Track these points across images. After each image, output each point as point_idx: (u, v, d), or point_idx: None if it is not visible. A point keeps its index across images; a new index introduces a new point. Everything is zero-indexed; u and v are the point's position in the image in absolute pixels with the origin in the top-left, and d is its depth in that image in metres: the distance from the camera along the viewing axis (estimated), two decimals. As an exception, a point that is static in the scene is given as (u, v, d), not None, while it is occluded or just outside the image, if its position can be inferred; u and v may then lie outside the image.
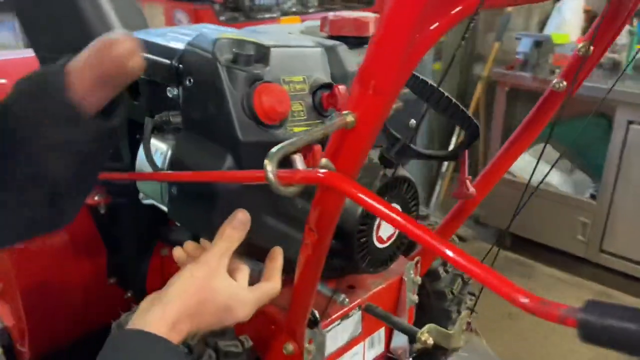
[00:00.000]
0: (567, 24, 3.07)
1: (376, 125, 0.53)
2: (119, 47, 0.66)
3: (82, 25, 0.95)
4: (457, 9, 0.52)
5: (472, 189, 0.89)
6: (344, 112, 0.51)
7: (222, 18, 2.24)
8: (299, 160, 0.48)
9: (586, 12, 3.09)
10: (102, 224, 1.18)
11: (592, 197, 2.76)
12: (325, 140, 0.64)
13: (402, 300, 1.05)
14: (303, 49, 0.76)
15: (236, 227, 0.70)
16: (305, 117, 0.72)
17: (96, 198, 1.13)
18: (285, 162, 0.52)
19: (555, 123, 0.89)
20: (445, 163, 3.45)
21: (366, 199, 0.43)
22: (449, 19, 0.52)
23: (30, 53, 1.11)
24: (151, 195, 0.89)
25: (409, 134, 1.00)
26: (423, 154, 0.90)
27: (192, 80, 0.73)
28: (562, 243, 2.87)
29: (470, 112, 3.33)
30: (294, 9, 2.61)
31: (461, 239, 3.09)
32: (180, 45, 0.78)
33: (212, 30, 0.81)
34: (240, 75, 0.69)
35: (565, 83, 0.87)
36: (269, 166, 0.46)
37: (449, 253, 0.38)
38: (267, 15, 2.43)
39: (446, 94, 0.86)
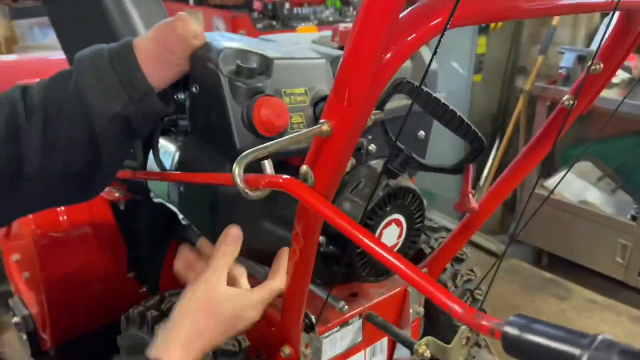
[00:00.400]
0: (615, 38, 2.96)
1: (352, 135, 0.54)
2: (185, 25, 0.71)
3: (110, 31, 1.00)
4: (437, 20, 0.52)
5: (474, 203, 0.89)
6: (321, 120, 0.53)
7: (259, 26, 2.29)
8: (268, 166, 0.50)
9: (636, 27, 2.98)
10: (121, 220, 1.24)
11: (634, 218, 2.66)
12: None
13: (406, 312, 1.05)
14: (306, 61, 0.78)
15: (229, 243, 0.74)
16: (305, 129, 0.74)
17: (116, 195, 1.18)
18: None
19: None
20: (483, 176, 3.39)
21: (322, 207, 0.44)
22: (427, 30, 0.52)
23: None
24: (159, 194, 0.93)
25: (415, 146, 1.01)
26: (426, 166, 0.90)
27: (197, 87, 0.75)
28: (600, 265, 2.77)
29: (511, 126, 3.24)
30: (331, 18, 2.64)
31: (494, 254, 3.03)
32: None
33: (222, 39, 0.84)
34: (242, 87, 0.70)
35: (575, 100, 0.85)
36: (237, 170, 0.48)
37: (389, 257, 0.38)
38: (303, 24, 2.47)
39: (451, 107, 0.86)
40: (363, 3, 0.46)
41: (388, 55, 0.51)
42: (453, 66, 3.20)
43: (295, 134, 0.51)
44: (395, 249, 0.95)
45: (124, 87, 0.67)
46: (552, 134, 0.92)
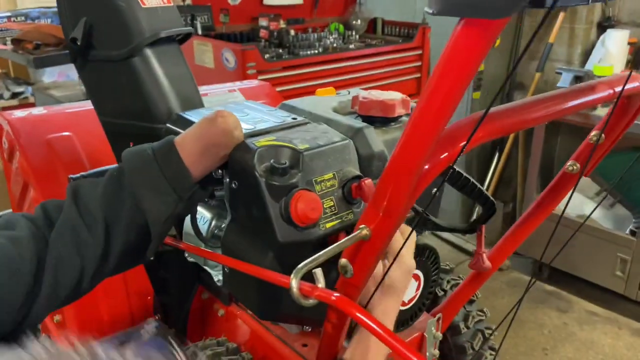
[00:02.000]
0: (611, 56, 3.04)
1: (390, 236, 0.61)
2: (225, 118, 0.78)
3: (143, 98, 1.05)
4: (464, 142, 0.59)
5: (487, 263, 0.96)
6: (360, 226, 0.60)
7: (267, 56, 2.36)
8: (319, 276, 0.56)
9: (631, 44, 3.06)
10: (150, 268, 1.30)
11: (632, 233, 2.73)
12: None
13: (423, 355, 1.12)
14: (332, 146, 0.82)
15: None
16: (336, 211, 0.79)
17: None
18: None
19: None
20: (484, 186, 3.47)
21: (371, 324, 0.51)
22: (457, 150, 0.59)
23: (90, 105, 1.22)
24: (195, 258, 0.99)
25: (427, 205, 1.08)
26: (441, 226, 0.97)
27: (236, 184, 0.81)
28: (600, 278, 2.83)
29: (510, 141, 3.30)
30: (335, 44, 2.70)
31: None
32: None
33: (250, 126, 0.89)
34: (278, 186, 0.76)
35: (578, 166, 0.93)
36: (294, 281, 0.54)
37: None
38: (309, 52, 2.53)
39: (464, 174, 0.93)
40: (407, 132, 0.53)
41: (426, 167, 0.58)
42: (453, 84, 3.26)
43: (342, 241, 0.57)
44: (414, 300, 1.02)
45: (175, 192, 0.73)
46: (554, 198, 1.00)
